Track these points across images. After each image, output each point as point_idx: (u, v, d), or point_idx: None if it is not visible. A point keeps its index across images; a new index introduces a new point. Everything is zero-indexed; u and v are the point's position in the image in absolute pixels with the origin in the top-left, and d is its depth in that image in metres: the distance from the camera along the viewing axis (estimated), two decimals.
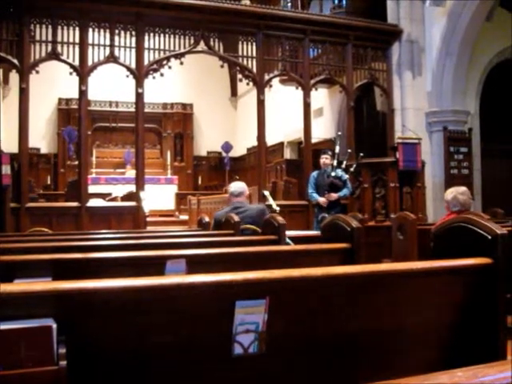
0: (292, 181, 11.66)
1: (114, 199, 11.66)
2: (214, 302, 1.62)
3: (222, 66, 9.55)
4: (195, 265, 2.60)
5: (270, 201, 8.54)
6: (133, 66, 8.62)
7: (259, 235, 4.29)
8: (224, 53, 9.43)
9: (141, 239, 4.34)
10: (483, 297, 1.94)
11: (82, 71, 8.31)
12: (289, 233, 4.20)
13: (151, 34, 8.76)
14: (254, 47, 9.32)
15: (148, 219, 9.28)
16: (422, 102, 10.02)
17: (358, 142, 10.03)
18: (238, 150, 18.52)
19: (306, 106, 9.69)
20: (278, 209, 8.00)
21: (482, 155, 10.56)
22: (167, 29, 8.84)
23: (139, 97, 8.75)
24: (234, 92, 19.59)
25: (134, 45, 8.64)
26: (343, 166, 8.20)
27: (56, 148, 17.45)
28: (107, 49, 8.49)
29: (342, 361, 1.82)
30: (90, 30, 8.42)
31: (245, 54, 9.32)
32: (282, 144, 15.42)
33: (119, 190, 13.07)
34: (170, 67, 8.93)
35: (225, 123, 19.16)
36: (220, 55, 9.29)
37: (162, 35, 8.81)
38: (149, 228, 8.83)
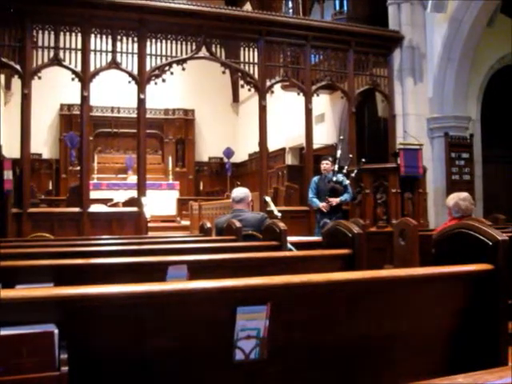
0: (293, 186, 11.66)
1: (116, 205, 11.66)
2: (216, 308, 1.62)
3: (223, 72, 9.56)
4: (197, 271, 2.61)
5: (272, 206, 8.54)
6: (135, 71, 8.63)
7: (261, 241, 4.29)
8: (226, 59, 9.45)
9: (142, 245, 4.34)
10: (484, 303, 1.94)
11: (84, 77, 8.33)
12: (290, 238, 4.20)
13: (153, 40, 8.78)
14: (256, 53, 9.33)
15: (149, 225, 9.28)
16: (423, 107, 10.03)
17: (359, 147, 10.04)
18: (240, 156, 18.56)
19: (308, 111, 9.70)
20: (279, 214, 8.00)
21: (484, 161, 10.55)
22: (169, 35, 8.86)
23: (141, 103, 8.76)
24: (235, 98, 19.64)
25: (136, 51, 8.65)
26: (344, 171, 8.21)
27: (58, 153, 17.51)
28: (109, 55, 8.51)
29: (343, 366, 1.82)
30: (92, 35, 8.43)
31: (246, 60, 9.33)
32: (283, 150, 15.44)
33: (121, 196, 13.07)
34: (171, 73, 8.94)
35: (226, 129, 19.20)
36: (222, 61, 9.31)
37: (163, 41, 8.83)
38: (150, 233, 8.83)
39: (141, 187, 8.76)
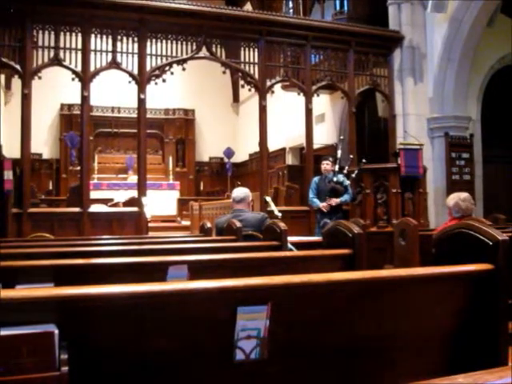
0: (294, 186, 11.66)
1: (116, 205, 11.67)
2: (216, 308, 1.62)
3: (224, 72, 9.56)
4: (197, 271, 2.61)
5: (272, 206, 8.52)
6: (135, 71, 8.63)
7: (261, 241, 4.29)
8: (226, 59, 9.45)
9: (143, 245, 4.34)
10: (484, 303, 1.94)
11: (85, 77, 8.33)
12: (290, 238, 4.20)
13: (153, 40, 8.78)
14: (256, 53, 9.34)
15: (150, 225, 9.28)
16: (423, 107, 10.03)
17: (359, 147, 10.04)
18: (240, 156, 18.56)
19: (308, 111, 9.70)
20: (279, 214, 7.99)
21: (484, 161, 10.54)
22: (169, 35, 8.86)
23: (141, 103, 8.76)
24: (235, 98, 19.65)
25: (136, 51, 8.65)
26: (345, 171, 8.20)
27: (58, 153, 17.51)
28: (109, 55, 8.51)
29: (343, 366, 1.82)
30: (93, 35, 8.43)
31: (247, 60, 9.33)
32: (283, 150, 15.45)
33: (121, 196, 13.08)
34: (172, 73, 8.94)
35: (227, 129, 19.21)
36: (222, 61, 9.31)
37: (164, 41, 8.83)
38: (151, 234, 8.83)
39: (141, 187, 8.76)
